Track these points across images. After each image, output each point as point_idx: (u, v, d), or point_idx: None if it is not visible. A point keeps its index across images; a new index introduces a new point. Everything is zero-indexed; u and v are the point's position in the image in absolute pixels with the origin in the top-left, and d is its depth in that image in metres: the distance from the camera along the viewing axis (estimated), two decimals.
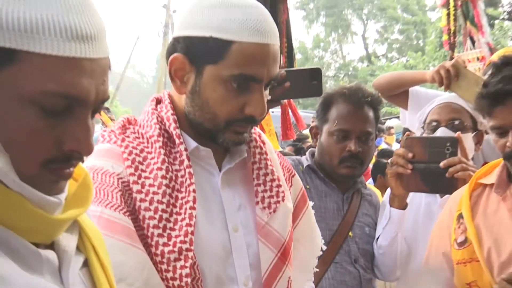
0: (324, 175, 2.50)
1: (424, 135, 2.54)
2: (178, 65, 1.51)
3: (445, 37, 6.81)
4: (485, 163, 2.48)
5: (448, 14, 6.67)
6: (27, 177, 0.94)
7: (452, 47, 6.43)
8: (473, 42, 5.94)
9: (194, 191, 1.47)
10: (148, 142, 1.53)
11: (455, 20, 6.65)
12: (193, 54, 1.48)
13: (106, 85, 0.99)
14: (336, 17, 35.10)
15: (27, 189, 0.94)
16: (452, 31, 6.60)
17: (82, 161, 1.03)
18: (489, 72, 2.00)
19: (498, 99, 1.92)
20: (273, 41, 1.49)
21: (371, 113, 2.50)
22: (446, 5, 6.67)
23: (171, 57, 1.51)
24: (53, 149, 0.94)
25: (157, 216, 1.43)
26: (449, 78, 2.67)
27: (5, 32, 0.87)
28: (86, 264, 1.10)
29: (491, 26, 23.65)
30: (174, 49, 1.51)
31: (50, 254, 1.00)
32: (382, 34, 35.67)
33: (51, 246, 1.03)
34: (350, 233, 2.46)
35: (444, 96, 2.65)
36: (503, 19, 24.93)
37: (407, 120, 3.30)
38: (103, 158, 1.50)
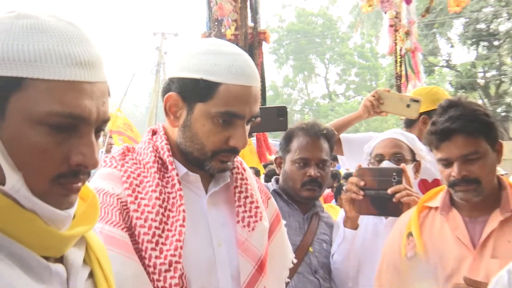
0: (287, 198, 2.51)
1: (373, 166, 2.54)
2: (172, 102, 1.51)
3: (391, 80, 7.02)
4: None
5: (396, 61, 6.86)
6: (38, 193, 0.92)
7: (398, 88, 6.58)
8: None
9: (184, 211, 1.46)
10: (144, 168, 1.52)
11: (400, 66, 6.82)
12: (186, 93, 1.49)
13: (106, 107, 0.99)
14: (302, 61, 35.43)
15: (39, 204, 0.93)
16: (398, 75, 6.78)
17: (89, 177, 1.01)
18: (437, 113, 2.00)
19: (445, 136, 1.95)
20: (255, 84, 1.50)
21: (326, 144, 2.52)
22: (393, 53, 6.86)
23: (167, 95, 1.52)
24: (61, 165, 0.93)
25: (150, 232, 1.41)
26: (373, 104, 2.80)
27: (12, 62, 0.87)
28: (91, 275, 1.08)
29: (432, 72, 24.11)
30: (169, 88, 1.52)
31: (59, 267, 0.98)
32: (341, 76, 36.08)
33: (60, 259, 1.01)
34: (310, 249, 2.46)
35: (387, 132, 2.66)
36: (442, 66, 25.36)
37: (346, 163, 3.41)
38: (104, 181, 1.49)
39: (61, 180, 0.94)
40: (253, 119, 1.52)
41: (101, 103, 0.96)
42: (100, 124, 0.98)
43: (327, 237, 2.56)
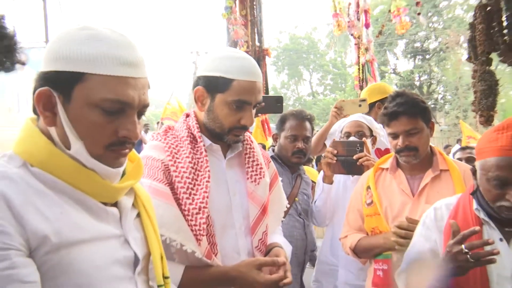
0: (281, 162, 2.48)
1: (343, 139, 2.52)
2: (200, 93, 1.48)
3: (356, 82, 7.04)
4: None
5: (359, 69, 6.81)
6: (95, 156, 0.91)
7: (361, 88, 6.58)
8: None
9: (209, 171, 1.42)
10: (180, 140, 1.48)
11: (362, 72, 6.77)
12: (209, 87, 1.45)
13: (146, 96, 0.96)
14: (293, 70, 35.26)
15: (96, 164, 0.91)
16: (361, 79, 6.73)
17: (133, 147, 0.99)
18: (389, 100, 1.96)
19: (393, 117, 1.91)
20: (259, 80, 1.46)
21: (309, 125, 2.50)
22: (357, 64, 6.82)
23: (195, 88, 1.49)
24: (112, 137, 0.91)
25: (185, 186, 1.38)
26: (337, 112, 2.84)
27: (76, 61, 0.87)
28: (138, 216, 1.06)
29: (383, 77, 23.99)
30: (197, 83, 1.48)
31: (113, 209, 0.97)
32: (321, 80, 35.79)
33: (115, 204, 0.99)
34: (296, 198, 2.46)
35: (352, 116, 2.65)
36: (390, 73, 25.17)
37: None
38: (152, 150, 1.46)
39: (113, 148, 0.92)
40: (257, 104, 1.48)
41: (142, 93, 0.94)
42: (141, 108, 0.95)
43: (306, 191, 2.56)
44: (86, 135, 0.89)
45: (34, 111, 0.93)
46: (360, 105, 2.84)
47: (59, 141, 0.91)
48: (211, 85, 1.44)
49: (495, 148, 1.36)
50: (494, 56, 2.60)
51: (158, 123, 10.04)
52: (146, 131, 12.12)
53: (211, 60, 1.46)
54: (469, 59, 2.69)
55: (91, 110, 0.88)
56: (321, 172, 2.46)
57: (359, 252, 2.00)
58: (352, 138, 2.46)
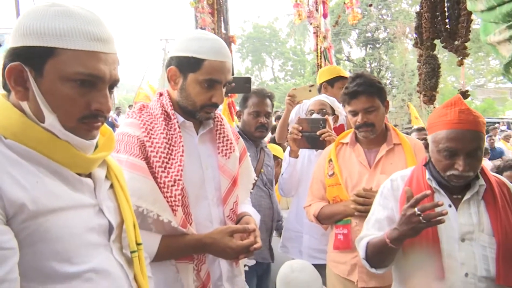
0: (246, 137, 2.42)
1: (307, 117, 2.50)
2: (173, 73, 1.42)
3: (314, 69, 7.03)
4: None
5: (317, 56, 6.82)
6: (69, 129, 0.87)
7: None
8: None
9: (183, 146, 1.38)
10: (155, 118, 1.42)
11: (320, 59, 6.78)
12: (181, 66, 1.40)
13: (117, 71, 0.93)
14: (257, 57, 35.05)
15: (70, 136, 0.88)
16: (318, 65, 6.74)
17: (106, 120, 0.95)
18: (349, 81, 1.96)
19: (353, 96, 1.91)
20: (228, 60, 1.42)
21: (270, 102, 2.46)
22: (316, 50, 6.82)
23: (168, 68, 1.43)
24: (84, 110, 0.88)
25: (160, 160, 1.34)
26: (291, 100, 2.87)
27: (48, 37, 0.83)
28: (111, 187, 1.02)
29: (338, 63, 24.20)
30: (170, 63, 1.43)
31: (88, 180, 0.94)
32: (282, 66, 35.78)
33: (89, 175, 0.96)
34: (262, 170, 2.43)
35: (316, 97, 2.64)
36: (344, 60, 25.48)
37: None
38: (128, 127, 1.40)
39: (85, 120, 0.89)
40: (227, 84, 1.44)
41: (113, 68, 0.91)
42: (112, 83, 0.92)
43: (269, 163, 2.53)
44: (59, 108, 0.85)
45: (4, 87, 0.88)
46: (310, 90, 2.87)
47: (32, 115, 0.86)
48: (183, 65, 1.39)
49: (444, 122, 1.39)
50: (437, 42, 2.66)
51: (130, 106, 9.80)
52: (118, 114, 11.85)
53: (183, 41, 1.41)
54: (415, 44, 2.73)
55: (63, 84, 0.84)
56: (288, 147, 2.45)
57: (321, 219, 2.02)
58: (315, 115, 2.45)
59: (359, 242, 1.58)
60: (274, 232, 2.57)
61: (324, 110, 2.49)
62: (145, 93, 9.52)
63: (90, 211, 0.92)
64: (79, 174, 0.92)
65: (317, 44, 6.97)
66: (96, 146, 0.96)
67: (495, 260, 1.37)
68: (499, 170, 2.71)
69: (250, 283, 1.86)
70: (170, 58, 1.43)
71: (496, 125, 11.62)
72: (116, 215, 0.99)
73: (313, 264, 1.89)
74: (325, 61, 6.81)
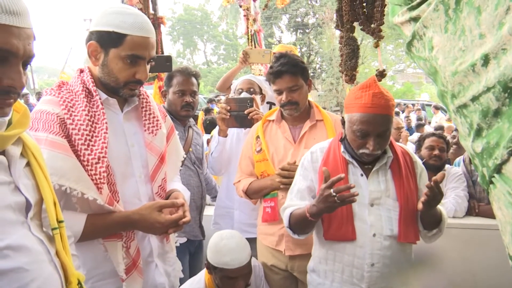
0: (172, 116, 2.36)
1: (235, 96, 2.53)
2: (93, 48, 1.37)
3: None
4: None
5: (248, 39, 6.87)
6: None
7: None
8: None
9: (106, 123, 1.35)
10: (75, 95, 1.37)
11: (251, 42, 6.84)
12: (102, 41, 1.35)
13: (31, 46, 0.88)
14: (188, 40, 34.25)
15: None
16: (249, 48, 6.78)
17: (19, 97, 0.91)
18: (273, 60, 2.02)
19: (278, 75, 1.97)
20: (152, 36, 1.38)
21: (195, 81, 2.42)
22: (247, 34, 6.85)
23: (88, 43, 1.37)
24: None
25: (83, 138, 1.30)
26: (244, 58, 2.95)
27: None
28: (28, 165, 0.98)
29: (270, 47, 24.47)
30: (90, 38, 1.37)
31: (1, 157, 0.90)
32: (214, 50, 35.38)
33: (3, 153, 0.92)
34: (190, 148, 2.42)
35: (245, 76, 2.68)
36: (275, 44, 25.84)
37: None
38: (46, 104, 1.34)
39: None
40: (151, 60, 1.41)
41: (27, 43, 0.86)
42: (26, 59, 0.88)
43: (198, 141, 2.53)
44: None
45: None
46: (263, 56, 2.88)
47: None
48: (104, 40, 1.34)
49: (359, 105, 1.52)
50: (356, 25, 2.83)
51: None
52: (38, 99, 11.04)
53: (103, 15, 1.35)
54: (337, 26, 2.87)
55: None
56: (217, 126, 2.48)
57: (250, 193, 2.10)
58: (244, 94, 2.48)
59: (283, 212, 1.69)
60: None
61: (252, 89, 2.55)
62: (68, 77, 8.94)
63: (4, 188, 0.88)
64: None
65: (247, 27, 7.03)
66: (10, 123, 0.92)
67: (397, 221, 1.55)
68: (421, 138, 3.00)
69: (183, 260, 1.88)
70: (90, 32, 1.37)
71: (411, 106, 12.84)
72: (34, 193, 0.96)
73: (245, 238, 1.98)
74: (254, 44, 6.90)
